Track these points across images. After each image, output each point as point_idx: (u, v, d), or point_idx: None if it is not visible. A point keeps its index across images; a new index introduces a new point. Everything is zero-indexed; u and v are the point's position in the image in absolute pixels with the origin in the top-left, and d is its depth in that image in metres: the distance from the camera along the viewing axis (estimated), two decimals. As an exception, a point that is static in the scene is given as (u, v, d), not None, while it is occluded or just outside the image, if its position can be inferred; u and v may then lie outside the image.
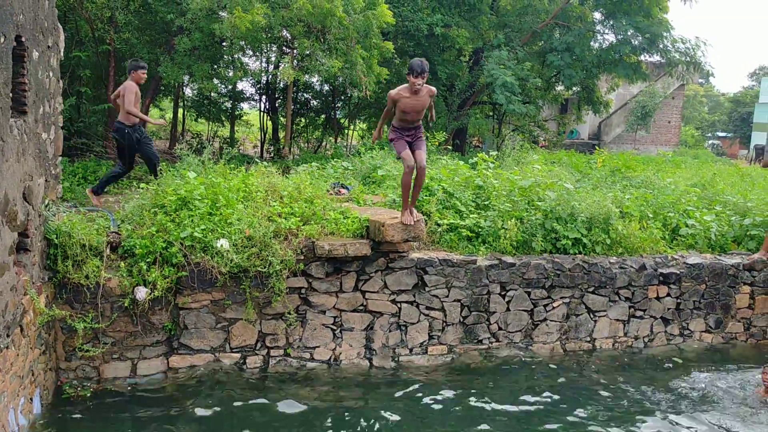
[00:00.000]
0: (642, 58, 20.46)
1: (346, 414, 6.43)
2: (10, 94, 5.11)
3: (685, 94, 43.10)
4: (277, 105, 19.68)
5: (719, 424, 6.52)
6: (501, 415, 6.60)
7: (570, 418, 6.60)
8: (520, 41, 19.53)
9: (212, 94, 19.26)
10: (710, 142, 51.29)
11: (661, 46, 19.02)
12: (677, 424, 6.52)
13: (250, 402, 6.61)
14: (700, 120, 58.23)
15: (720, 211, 10.24)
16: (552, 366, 7.93)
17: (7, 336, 5.06)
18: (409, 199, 7.41)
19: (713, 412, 6.80)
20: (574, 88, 21.70)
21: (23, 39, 5.37)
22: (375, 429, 6.16)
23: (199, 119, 21.63)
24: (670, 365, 8.24)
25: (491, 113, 23.30)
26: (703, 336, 8.96)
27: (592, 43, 19.92)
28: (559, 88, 21.99)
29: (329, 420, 6.31)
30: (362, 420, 6.29)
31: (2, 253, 4.98)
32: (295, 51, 14.59)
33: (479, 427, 6.29)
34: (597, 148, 16.05)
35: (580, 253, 8.58)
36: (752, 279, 9.06)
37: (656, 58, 20.76)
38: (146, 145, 8.92)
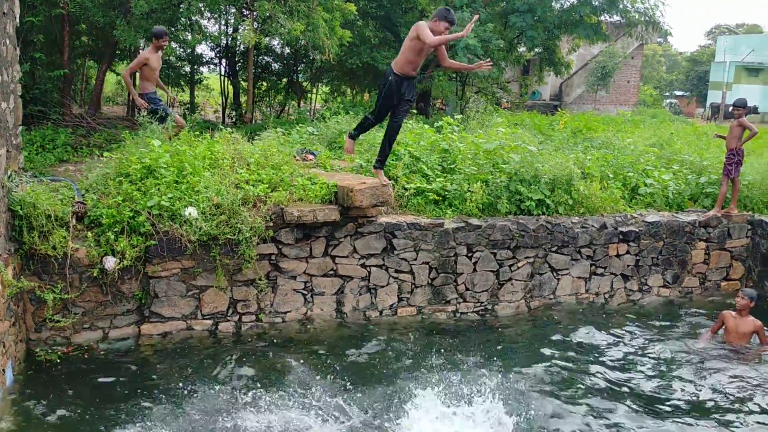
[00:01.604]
0: (602, 18, 20.61)
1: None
2: (-32, 64, 4.98)
3: (644, 54, 43.57)
4: (237, 69, 19.35)
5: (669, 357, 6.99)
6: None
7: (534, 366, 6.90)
8: (483, 2, 19.47)
9: (170, 58, 18.83)
10: (668, 101, 52.22)
11: (620, 6, 19.19)
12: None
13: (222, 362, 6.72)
14: (658, 79, 59.07)
15: (677, 170, 10.55)
16: (516, 322, 8.21)
17: (-23, 309, 5.02)
18: None
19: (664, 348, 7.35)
20: (536, 50, 21.79)
21: (-22, 6, 5.21)
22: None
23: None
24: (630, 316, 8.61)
25: (454, 75, 23.30)
26: (661, 291, 9.32)
27: (553, 3, 19.95)
28: (521, 49, 22.05)
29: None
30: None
31: (-32, 226, 4.92)
32: (255, 13, 14.33)
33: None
34: (558, 109, 16.27)
35: (543, 214, 8.78)
36: (707, 235, 9.41)
37: (616, 18, 20.96)
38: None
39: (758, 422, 6.07)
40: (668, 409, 6.25)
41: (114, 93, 22.27)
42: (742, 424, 6.04)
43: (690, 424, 5.97)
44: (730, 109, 9.91)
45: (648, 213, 9.43)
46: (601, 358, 7.34)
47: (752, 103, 35.67)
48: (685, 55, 63.46)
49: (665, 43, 66.25)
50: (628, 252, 9.05)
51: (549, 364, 7.09)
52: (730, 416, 6.14)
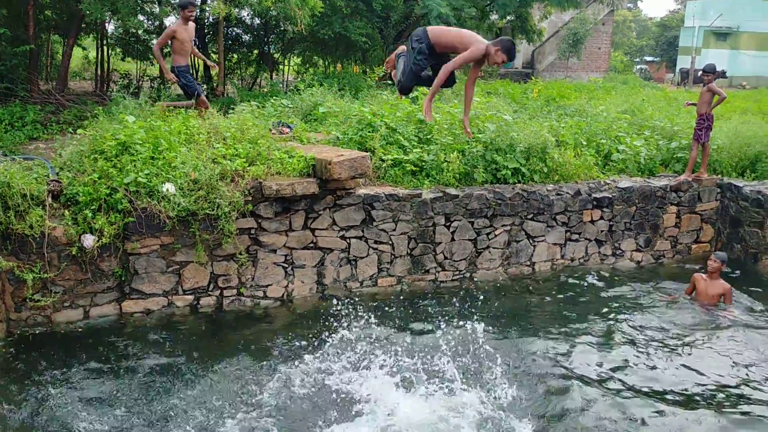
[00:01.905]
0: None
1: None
2: (-65, 41, 4.87)
3: (615, 20, 43.70)
4: (207, 41, 19.03)
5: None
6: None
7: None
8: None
9: (138, 31, 18.45)
10: (638, 67, 52.56)
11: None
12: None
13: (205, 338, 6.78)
14: (628, 45, 59.39)
15: (649, 136, 10.73)
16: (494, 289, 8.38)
17: (-43, 291, 5.00)
18: None
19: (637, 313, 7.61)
20: (508, 17, 21.77)
21: (-58, -19, 5.08)
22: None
23: (126, 58, 20.74)
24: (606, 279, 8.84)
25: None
26: (634, 255, 9.54)
27: (524, -30, 19.90)
28: (494, 17, 22.02)
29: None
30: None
31: (-57, 207, 4.86)
32: (224, -16, 14.06)
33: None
34: (531, 77, 16.32)
35: (519, 182, 8.89)
36: (678, 199, 9.62)
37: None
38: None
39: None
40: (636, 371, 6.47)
41: (81, 68, 21.78)
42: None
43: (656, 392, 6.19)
44: (700, 74, 10.05)
45: (621, 179, 9.60)
46: (579, 319, 7.54)
47: (721, 67, 36.09)
48: (655, 21, 63.78)
49: (635, 9, 66.46)
50: (602, 218, 9.22)
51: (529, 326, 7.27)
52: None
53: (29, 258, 6.52)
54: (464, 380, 5.94)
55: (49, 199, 6.66)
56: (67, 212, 6.67)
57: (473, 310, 7.50)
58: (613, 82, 25.89)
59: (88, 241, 6.59)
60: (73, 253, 6.62)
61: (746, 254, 9.46)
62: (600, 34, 37.79)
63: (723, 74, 35.83)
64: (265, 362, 6.34)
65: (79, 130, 7.65)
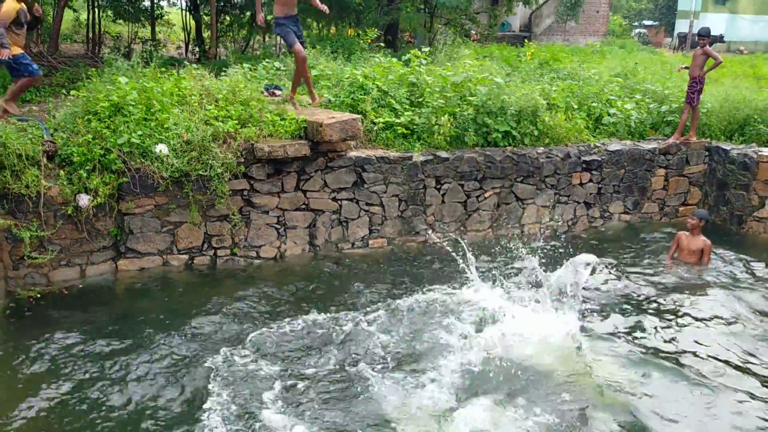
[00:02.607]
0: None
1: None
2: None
3: (613, -17, 43.26)
4: (198, 2, 18.86)
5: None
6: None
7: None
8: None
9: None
10: (637, 31, 52.08)
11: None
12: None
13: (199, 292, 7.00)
14: (627, 9, 58.69)
15: (640, 100, 10.79)
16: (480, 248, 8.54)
17: (-45, 248, 5.12)
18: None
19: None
20: (504, -21, 21.55)
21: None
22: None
23: (117, 20, 20.55)
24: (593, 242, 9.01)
25: (422, 6, 22.98)
26: (622, 217, 9.70)
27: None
28: (490, -21, 21.81)
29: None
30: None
31: (-60, 166, 4.96)
32: (217, -56, 13.92)
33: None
34: (526, 41, 16.26)
35: (509, 145, 8.99)
36: (667, 162, 9.74)
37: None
38: None
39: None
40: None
41: (72, 30, 21.56)
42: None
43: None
44: (696, 38, 10.07)
45: (611, 142, 9.70)
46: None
47: (719, 31, 35.90)
48: (654, -16, 62.96)
49: (635, -29, 65.53)
50: (591, 180, 9.35)
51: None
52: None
53: (26, 217, 6.63)
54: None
55: (44, 159, 6.75)
56: (62, 172, 6.76)
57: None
58: (611, 46, 25.78)
59: (83, 200, 6.71)
60: (69, 212, 6.74)
61: (732, 216, 9.62)
62: (598, -3, 37.44)
63: (720, 39, 35.56)
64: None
65: (72, 92, 7.69)
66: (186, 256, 7.47)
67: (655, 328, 6.57)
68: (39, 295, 6.72)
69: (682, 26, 40.87)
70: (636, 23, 55.72)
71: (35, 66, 7.88)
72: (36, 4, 7.63)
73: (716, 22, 38.99)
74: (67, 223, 6.85)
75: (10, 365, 5.60)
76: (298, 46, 8.00)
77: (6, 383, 5.36)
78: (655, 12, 55.76)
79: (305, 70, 8.34)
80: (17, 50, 7.61)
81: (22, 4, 7.72)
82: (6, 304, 6.54)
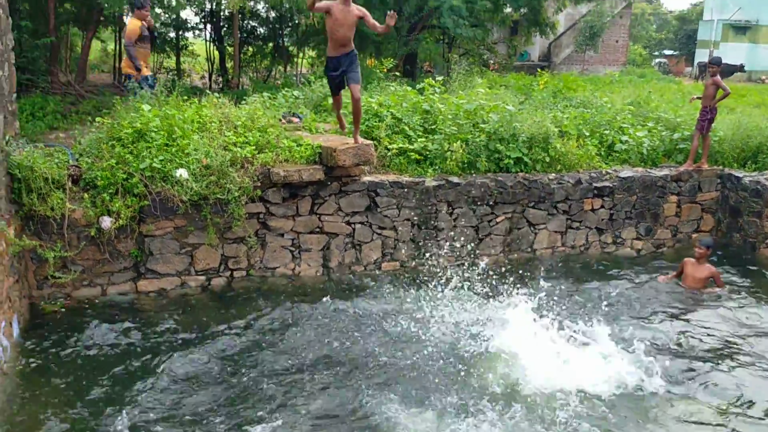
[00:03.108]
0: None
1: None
2: (-35, 33, 5.24)
3: (633, 13, 43.53)
4: (222, 34, 19.41)
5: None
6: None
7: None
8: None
9: (156, 24, 18.86)
10: (657, 60, 52.19)
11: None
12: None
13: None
14: (647, 39, 58.90)
15: (652, 128, 10.90)
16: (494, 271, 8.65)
17: (-16, 265, 5.38)
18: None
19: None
20: (521, 10, 21.88)
21: (-29, -23, 5.45)
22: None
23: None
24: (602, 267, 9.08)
25: (441, 37, 23.39)
26: (634, 243, 9.75)
27: (537, -37, 20.00)
28: (507, 10, 22.15)
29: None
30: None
31: (-28, 187, 5.24)
32: (240, -22, 14.41)
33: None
34: (539, 70, 16.48)
35: (521, 171, 9.14)
36: (679, 189, 9.81)
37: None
38: None
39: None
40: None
41: (99, 60, 22.22)
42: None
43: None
44: (707, 67, 10.20)
45: (622, 169, 9.81)
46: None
47: (739, 61, 35.87)
48: (674, 14, 63.22)
49: (656, 2, 65.88)
50: (602, 206, 9.45)
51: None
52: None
53: (50, 238, 6.91)
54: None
55: (69, 183, 7.04)
56: (86, 195, 7.04)
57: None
58: (630, 76, 25.95)
59: (106, 222, 6.97)
60: (92, 234, 7.00)
61: (745, 243, 9.63)
62: (617, 27, 37.70)
63: (741, 68, 35.54)
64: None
65: (97, 119, 8.02)
66: (203, 277, 7.69)
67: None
68: (62, 309, 6.96)
69: (702, 56, 40.91)
70: (656, 53, 55.88)
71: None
72: (149, 17, 8.90)
73: (736, 51, 39.03)
74: (90, 245, 7.11)
75: (32, 380, 5.82)
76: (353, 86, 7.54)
77: (31, 399, 5.57)
78: (676, 42, 55.91)
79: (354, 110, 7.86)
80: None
81: (144, 21, 8.89)
82: (28, 321, 6.79)
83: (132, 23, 9.03)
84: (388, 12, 7.09)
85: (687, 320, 7.47)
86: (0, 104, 6.48)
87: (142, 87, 8.44)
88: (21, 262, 6.76)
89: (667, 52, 55.33)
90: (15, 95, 7.29)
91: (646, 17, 60.80)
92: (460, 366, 6.18)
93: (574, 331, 6.47)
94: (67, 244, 6.95)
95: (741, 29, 41.30)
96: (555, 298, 7.19)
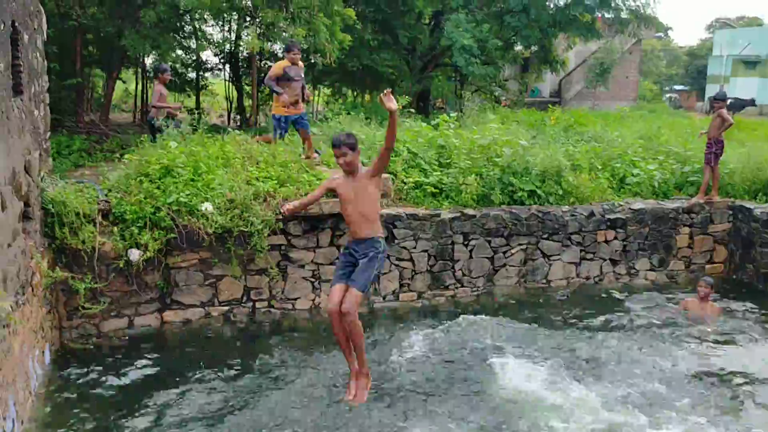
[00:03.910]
0: (598, 14, 21.14)
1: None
2: (10, 76, 5.59)
3: (643, 49, 44.06)
4: (241, 74, 19.97)
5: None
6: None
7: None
8: (479, 3, 20.03)
9: (176, 64, 19.46)
10: (668, 95, 52.63)
11: (612, 4, 19.73)
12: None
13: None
14: (658, 74, 59.49)
15: (663, 161, 11.11)
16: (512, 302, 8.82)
17: (23, 294, 5.63)
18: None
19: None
20: (532, 48, 22.36)
21: (17, 24, 5.82)
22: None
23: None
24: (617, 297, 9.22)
25: (453, 75, 23.89)
26: (648, 274, 9.89)
27: (547, 3, 20.51)
28: (518, 48, 22.64)
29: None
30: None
31: (13, 220, 5.52)
32: (258, 20, 14.93)
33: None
34: (550, 106, 16.80)
35: (535, 203, 9.36)
36: (691, 221, 9.97)
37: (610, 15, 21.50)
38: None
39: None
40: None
41: (120, 100, 22.85)
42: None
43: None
44: (712, 101, 10.45)
45: (634, 201, 10.00)
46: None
47: (750, 95, 36.14)
48: (684, 50, 63.87)
49: (666, 38, 66.56)
50: (615, 238, 9.61)
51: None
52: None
53: (81, 270, 7.16)
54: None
55: (100, 217, 7.33)
56: (115, 229, 7.32)
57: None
58: (641, 111, 26.24)
59: (134, 255, 7.23)
60: (121, 266, 7.26)
61: (758, 274, 9.72)
62: (628, 63, 38.19)
63: (752, 102, 35.80)
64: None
65: (125, 156, 8.35)
66: (226, 308, 7.90)
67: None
68: (91, 347, 7.20)
69: (712, 91, 41.23)
70: (667, 88, 56.33)
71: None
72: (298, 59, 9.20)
73: (747, 86, 39.32)
74: (119, 276, 7.37)
75: (61, 408, 6.02)
76: None
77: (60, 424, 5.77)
78: (686, 77, 56.40)
79: None
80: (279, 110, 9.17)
81: (292, 63, 9.16)
82: (58, 350, 7.02)
83: (278, 64, 9.39)
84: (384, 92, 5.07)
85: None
86: (36, 142, 6.81)
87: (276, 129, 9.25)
88: (53, 293, 7.02)
89: (678, 87, 55.79)
90: (48, 134, 7.64)
91: (656, 53, 61.48)
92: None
93: None
94: (96, 276, 7.21)
95: (751, 64, 41.65)
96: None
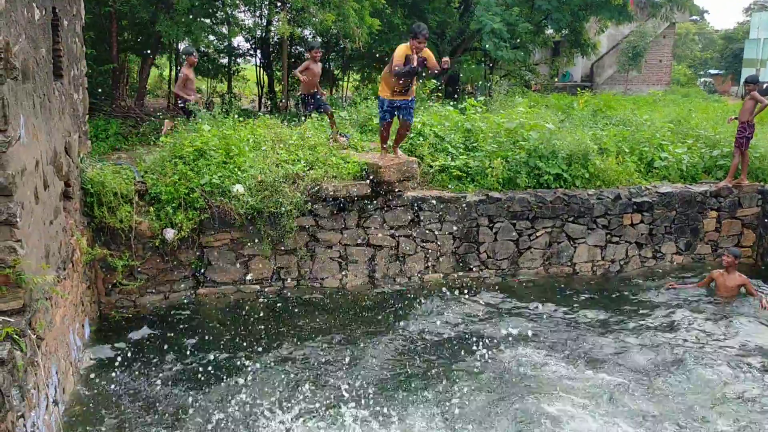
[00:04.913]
0: (630, -3, 20.83)
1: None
2: (51, 60, 5.85)
3: (677, 33, 43.31)
4: (271, 59, 20.18)
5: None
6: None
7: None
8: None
9: (209, 50, 19.75)
10: (702, 80, 51.58)
11: (644, -14, 19.44)
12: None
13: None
14: (692, 58, 58.30)
15: (692, 145, 11.05)
16: (537, 285, 8.93)
17: (64, 269, 5.93)
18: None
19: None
20: (563, 32, 22.15)
21: (57, 10, 6.08)
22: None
23: (197, 76, 22.10)
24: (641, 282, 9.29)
25: (483, 59, 23.80)
26: (674, 258, 9.89)
27: (578, -15, 20.26)
28: (549, 31, 22.45)
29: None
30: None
31: (55, 198, 5.81)
32: (288, 5, 15.10)
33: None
34: (578, 90, 16.70)
35: (560, 187, 9.42)
36: (719, 205, 9.93)
37: (643, -2, 21.21)
38: None
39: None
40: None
41: (154, 86, 23.24)
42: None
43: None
44: (744, 85, 10.35)
45: (662, 185, 9.99)
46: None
47: (786, 79, 35.27)
48: (720, 33, 62.43)
49: (701, 22, 65.13)
50: (642, 221, 9.63)
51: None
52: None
53: (118, 248, 7.48)
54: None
55: (136, 197, 7.62)
56: (151, 209, 7.61)
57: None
58: (674, 95, 25.85)
59: (170, 234, 7.51)
60: (156, 244, 7.56)
61: (787, 259, 9.68)
62: (661, 47, 37.52)
63: (788, 86, 34.99)
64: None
65: (161, 138, 8.62)
66: (257, 286, 8.16)
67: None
68: (129, 317, 7.52)
69: (747, 74, 40.41)
70: (701, 72, 55.19)
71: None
72: (446, 57, 8.42)
73: (784, 69, 38.37)
74: (154, 254, 7.66)
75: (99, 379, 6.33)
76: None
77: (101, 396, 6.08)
78: (721, 61, 55.16)
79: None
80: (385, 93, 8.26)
81: (414, 51, 7.98)
82: (98, 324, 7.35)
83: (401, 49, 8.17)
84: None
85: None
86: (75, 124, 7.09)
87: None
88: (92, 270, 7.34)
89: (713, 71, 54.60)
90: (87, 117, 7.93)
91: (690, 37, 60.21)
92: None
93: None
94: (133, 253, 7.51)
95: (789, 47, 40.59)
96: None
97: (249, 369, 6.40)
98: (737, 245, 10.09)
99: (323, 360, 6.74)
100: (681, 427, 5.70)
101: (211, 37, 16.98)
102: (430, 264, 8.81)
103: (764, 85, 35.21)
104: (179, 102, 10.36)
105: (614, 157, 10.00)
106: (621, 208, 9.47)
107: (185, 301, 7.90)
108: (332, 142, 9.30)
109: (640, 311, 8.25)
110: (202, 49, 18.97)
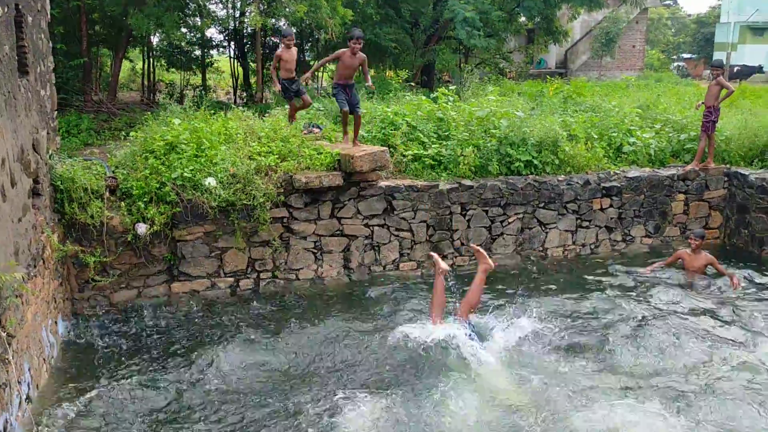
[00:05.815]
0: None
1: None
2: (16, 57, 5.82)
3: (650, 18, 43.64)
4: (246, 51, 20.06)
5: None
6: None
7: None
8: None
9: (182, 43, 19.58)
10: (675, 64, 52.13)
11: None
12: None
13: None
14: (665, 43, 58.86)
15: (660, 129, 11.24)
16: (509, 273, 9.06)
17: (34, 266, 5.93)
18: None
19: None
20: (535, 19, 22.27)
21: (20, 6, 6.04)
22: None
23: (170, 69, 21.93)
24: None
25: (458, 48, 23.86)
26: (644, 240, 10.09)
27: (549, -27, 20.37)
28: (522, 19, 22.57)
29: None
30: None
31: (23, 195, 5.80)
32: (260, -4, 15.02)
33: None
34: (548, 77, 16.84)
35: (531, 173, 9.55)
36: (686, 188, 10.14)
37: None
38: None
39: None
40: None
41: (127, 79, 23.01)
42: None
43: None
44: (710, 69, 10.54)
45: (630, 169, 10.17)
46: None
47: (757, 62, 35.85)
48: (692, 18, 63.08)
49: (674, 6, 65.75)
50: (611, 206, 9.81)
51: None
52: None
53: (90, 244, 7.46)
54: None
55: (107, 192, 7.60)
56: (122, 204, 7.60)
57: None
58: (647, 80, 26.11)
59: (142, 229, 7.51)
60: (129, 239, 7.55)
61: (753, 239, 9.90)
62: (634, 33, 37.80)
63: (760, 69, 35.55)
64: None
65: (131, 133, 8.60)
66: (232, 279, 8.19)
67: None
68: (102, 314, 7.53)
69: (719, 58, 40.89)
70: (674, 57, 55.78)
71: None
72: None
73: (755, 53, 38.96)
74: (127, 250, 7.66)
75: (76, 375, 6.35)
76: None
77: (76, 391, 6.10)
78: (694, 45, 55.80)
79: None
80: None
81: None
82: (72, 324, 7.35)
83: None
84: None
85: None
86: (43, 121, 7.05)
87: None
88: (64, 266, 7.33)
89: (686, 55, 55.17)
90: (55, 113, 7.89)
91: (663, 22, 60.75)
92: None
93: None
94: (106, 249, 7.50)
95: (759, 30, 41.20)
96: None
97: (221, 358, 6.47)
98: (705, 227, 10.31)
99: (299, 350, 6.81)
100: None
101: (183, 30, 16.83)
102: (404, 252, 8.90)
103: (735, 69, 35.97)
104: (282, 82, 10.03)
105: (583, 143, 10.14)
106: (590, 193, 9.64)
107: (159, 295, 7.91)
108: (304, 134, 9.30)
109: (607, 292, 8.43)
110: (175, 42, 18.87)
